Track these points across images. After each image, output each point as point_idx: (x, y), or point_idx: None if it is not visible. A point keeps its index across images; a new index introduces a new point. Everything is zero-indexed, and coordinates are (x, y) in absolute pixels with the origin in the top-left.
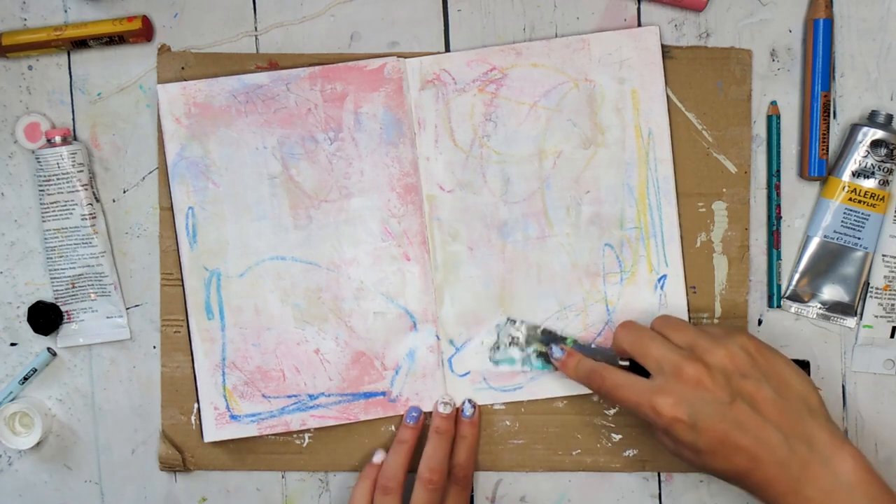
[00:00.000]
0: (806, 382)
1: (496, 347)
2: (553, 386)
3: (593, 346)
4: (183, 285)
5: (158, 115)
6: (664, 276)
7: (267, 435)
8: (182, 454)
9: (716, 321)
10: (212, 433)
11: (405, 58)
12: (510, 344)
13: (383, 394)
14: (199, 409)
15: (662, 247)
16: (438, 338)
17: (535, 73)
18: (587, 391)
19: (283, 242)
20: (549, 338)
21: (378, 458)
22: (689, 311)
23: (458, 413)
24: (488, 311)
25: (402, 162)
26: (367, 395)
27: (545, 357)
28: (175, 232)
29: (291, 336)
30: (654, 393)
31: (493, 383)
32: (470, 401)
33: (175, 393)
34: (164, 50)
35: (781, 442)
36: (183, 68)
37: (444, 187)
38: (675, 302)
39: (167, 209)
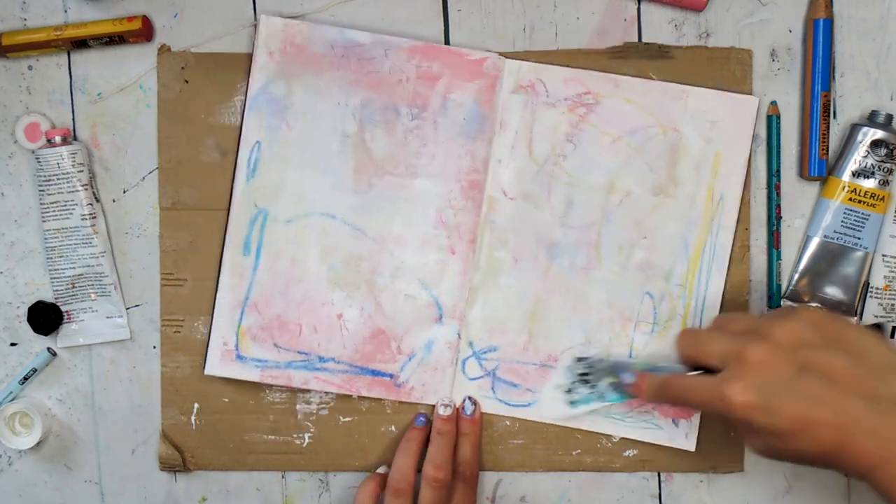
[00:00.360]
0: (882, 342)
1: (569, 390)
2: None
3: (661, 364)
4: (228, 215)
5: (253, 46)
6: None
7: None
8: (182, 454)
9: None
10: (214, 367)
11: (507, 58)
12: (582, 383)
13: (391, 376)
14: (198, 409)
15: (702, 311)
16: (460, 336)
17: (627, 107)
18: (594, 429)
19: (338, 202)
20: (618, 366)
21: (384, 469)
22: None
23: (458, 412)
24: (516, 324)
25: (475, 157)
26: (375, 373)
27: (620, 387)
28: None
29: (320, 295)
30: (721, 385)
31: (501, 395)
32: (470, 398)
33: (175, 393)
34: (164, 50)
35: (865, 408)
36: (183, 68)
37: (507, 193)
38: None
39: (167, 209)
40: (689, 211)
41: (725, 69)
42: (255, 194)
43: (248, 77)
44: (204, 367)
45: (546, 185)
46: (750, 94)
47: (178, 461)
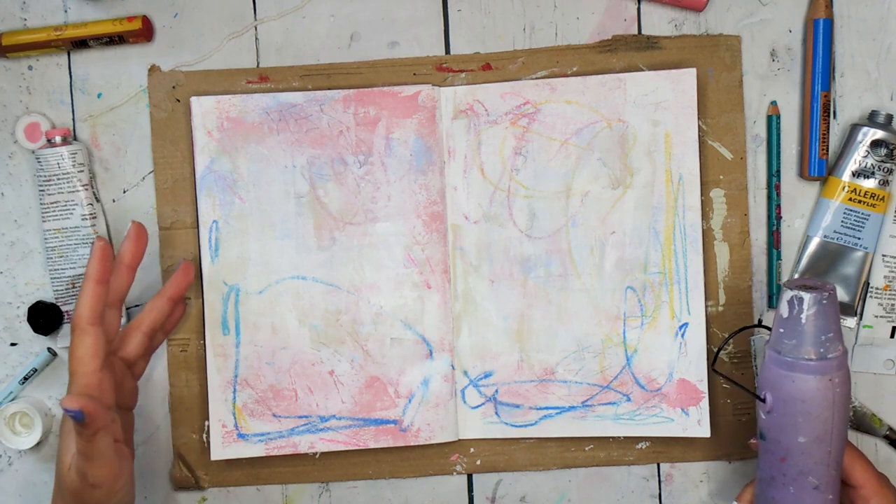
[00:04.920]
0: None
1: None
2: (566, 426)
3: None
4: (202, 298)
5: (191, 127)
6: (685, 325)
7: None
8: (194, 473)
9: (720, 308)
10: (218, 451)
11: (440, 86)
12: None
13: (395, 422)
14: (209, 426)
15: (686, 294)
16: (454, 367)
17: (568, 109)
18: (605, 434)
19: (305, 262)
20: None
21: None
22: (707, 359)
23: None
24: (505, 345)
25: (430, 190)
26: (378, 423)
27: None
28: (199, 244)
29: (307, 356)
30: None
31: (505, 418)
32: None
33: (186, 412)
34: (153, 70)
35: None
36: (174, 87)
37: (469, 218)
38: (695, 351)
39: (166, 229)
40: (651, 197)
41: (715, 56)
42: (223, 273)
43: (192, 159)
44: (210, 454)
45: (505, 203)
46: (741, 80)
47: (191, 481)
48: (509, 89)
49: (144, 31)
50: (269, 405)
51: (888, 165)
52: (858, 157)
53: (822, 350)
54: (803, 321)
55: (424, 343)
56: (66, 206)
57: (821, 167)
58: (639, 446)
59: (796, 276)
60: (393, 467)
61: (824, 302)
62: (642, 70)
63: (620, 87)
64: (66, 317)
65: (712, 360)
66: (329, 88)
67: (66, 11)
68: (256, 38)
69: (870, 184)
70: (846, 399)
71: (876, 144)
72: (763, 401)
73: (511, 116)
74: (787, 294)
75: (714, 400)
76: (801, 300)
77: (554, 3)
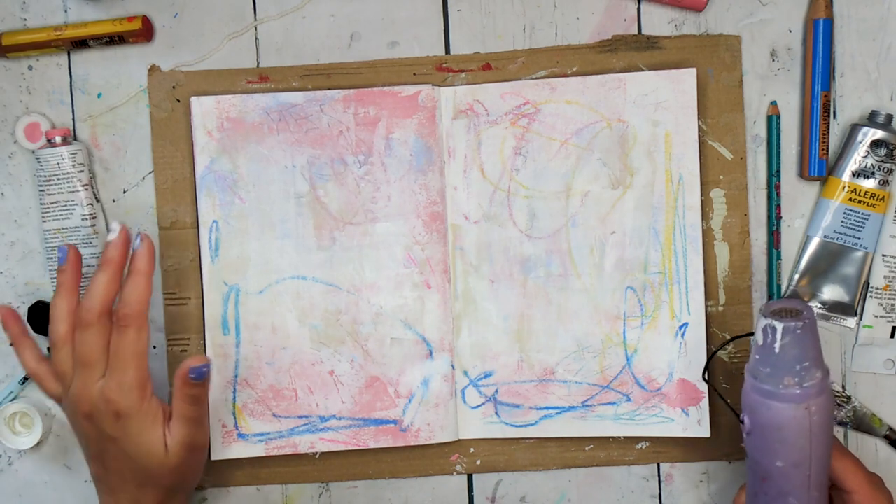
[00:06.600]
0: None
1: None
2: (566, 426)
3: None
4: (203, 298)
5: (190, 127)
6: (685, 325)
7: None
8: None
9: (720, 308)
10: (218, 451)
11: (440, 86)
12: None
13: (395, 422)
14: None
15: (686, 294)
16: (454, 367)
17: (568, 109)
18: (605, 434)
19: (305, 262)
20: None
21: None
22: (707, 357)
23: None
24: (505, 345)
25: (430, 190)
26: (379, 423)
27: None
28: (200, 246)
29: (307, 356)
30: None
31: (505, 418)
32: (140, 234)
33: None
34: (153, 70)
35: None
36: (174, 87)
37: (469, 218)
38: (695, 352)
39: (167, 229)
40: (651, 197)
41: (715, 56)
42: (223, 273)
43: (192, 159)
44: (209, 454)
45: (505, 203)
46: (741, 80)
47: None
48: (509, 89)
49: (144, 31)
50: (269, 405)
51: (888, 165)
52: (858, 157)
53: (797, 379)
54: (777, 350)
55: (424, 343)
56: (66, 206)
57: (821, 167)
58: (639, 446)
59: (796, 276)
60: (393, 467)
61: (798, 332)
62: (642, 70)
63: (620, 87)
64: None
65: (703, 369)
66: (329, 88)
67: (66, 11)
68: (256, 38)
69: (870, 184)
70: (826, 425)
71: (876, 144)
72: (742, 422)
73: (511, 116)
74: (762, 322)
75: (714, 400)
76: (773, 329)
77: (554, 3)
